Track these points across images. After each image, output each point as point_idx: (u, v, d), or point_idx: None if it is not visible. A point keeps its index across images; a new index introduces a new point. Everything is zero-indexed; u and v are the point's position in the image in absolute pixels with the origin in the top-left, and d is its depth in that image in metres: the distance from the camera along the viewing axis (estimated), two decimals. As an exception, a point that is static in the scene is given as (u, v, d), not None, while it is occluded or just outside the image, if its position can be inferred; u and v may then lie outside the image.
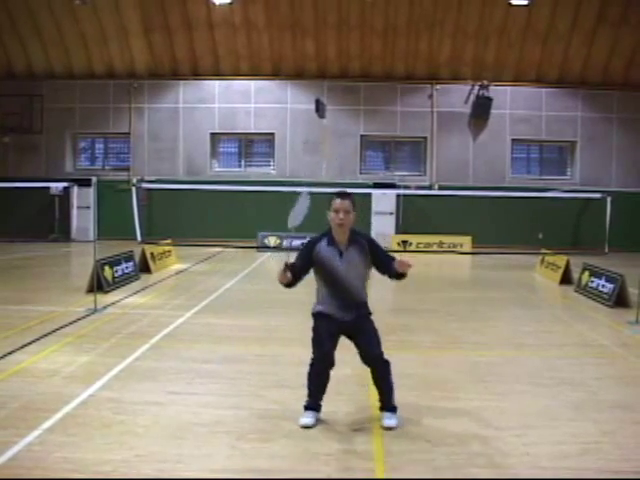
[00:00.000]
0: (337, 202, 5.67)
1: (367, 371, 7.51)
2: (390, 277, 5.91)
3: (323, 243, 5.78)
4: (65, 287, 14.32)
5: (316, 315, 5.90)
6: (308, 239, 5.98)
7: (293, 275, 5.67)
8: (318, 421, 5.81)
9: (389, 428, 5.67)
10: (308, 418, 5.77)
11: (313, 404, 5.91)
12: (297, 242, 24.17)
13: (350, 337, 5.89)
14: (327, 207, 5.74)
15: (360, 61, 27.31)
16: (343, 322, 5.77)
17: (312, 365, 5.88)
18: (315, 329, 5.86)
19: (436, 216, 26.61)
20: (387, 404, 5.87)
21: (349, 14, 25.86)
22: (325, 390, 5.96)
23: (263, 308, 11.91)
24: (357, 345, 5.84)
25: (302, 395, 6.01)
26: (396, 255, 5.96)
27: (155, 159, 28.14)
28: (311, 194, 5.86)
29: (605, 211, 24.57)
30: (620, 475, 4.83)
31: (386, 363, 5.83)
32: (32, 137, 28.17)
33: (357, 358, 7.75)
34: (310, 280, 5.96)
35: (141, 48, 27.33)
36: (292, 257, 5.78)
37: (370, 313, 5.94)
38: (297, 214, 5.77)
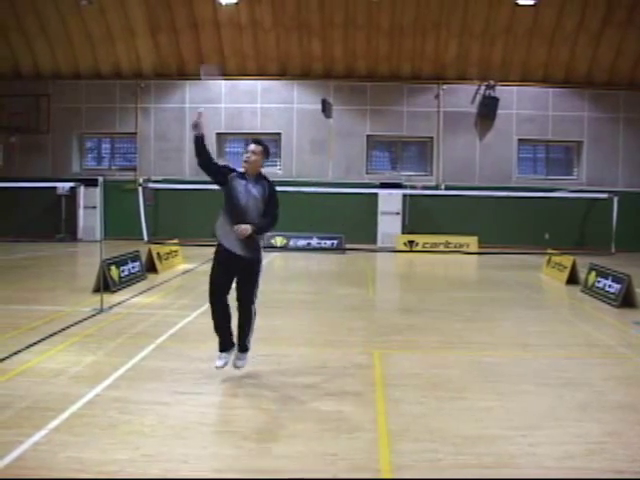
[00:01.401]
0: (250, 146, 6.86)
1: (371, 371, 7.52)
2: (264, 218, 6.90)
3: (237, 173, 6.88)
4: (71, 287, 14.35)
5: (217, 248, 6.95)
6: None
7: (208, 156, 7.01)
8: (227, 359, 7.02)
9: (239, 368, 7.04)
10: (221, 360, 6.99)
11: (225, 345, 7.06)
12: (302, 242, 24.24)
13: (237, 272, 6.90)
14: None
15: (366, 61, 27.33)
16: (235, 255, 6.78)
17: (211, 294, 6.90)
18: (214, 257, 6.98)
19: (442, 216, 26.62)
20: (243, 346, 7.08)
21: (355, 14, 25.87)
22: (230, 325, 7.04)
23: (268, 308, 11.89)
24: (237, 283, 6.91)
25: (307, 395, 6.02)
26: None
27: (161, 159, 28.19)
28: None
29: (612, 211, 24.50)
30: (626, 475, 4.82)
31: (250, 311, 7.03)
32: (38, 137, 28.27)
33: (362, 358, 7.76)
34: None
35: (147, 48, 27.39)
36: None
37: (260, 259, 7.13)
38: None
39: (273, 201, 6.87)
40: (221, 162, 7.13)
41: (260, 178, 6.85)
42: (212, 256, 7.01)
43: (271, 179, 7.00)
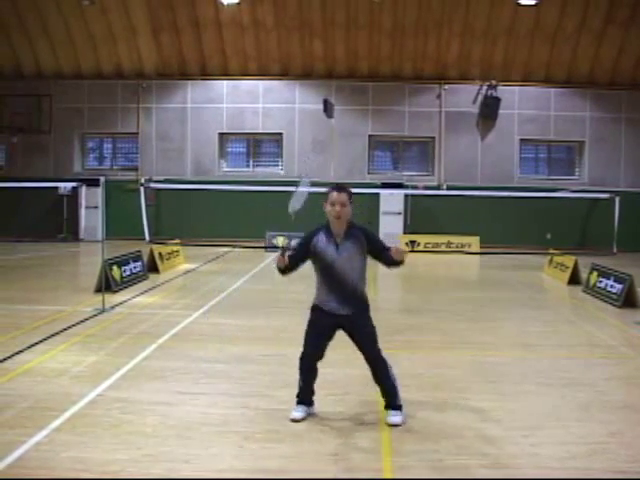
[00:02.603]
0: (334, 195, 5.76)
1: (374, 371, 7.52)
2: (386, 265, 6.04)
3: (321, 236, 5.88)
4: (73, 287, 14.37)
5: (313, 308, 6.06)
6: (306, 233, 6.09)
7: (291, 265, 5.87)
8: (309, 415, 5.95)
9: (394, 425, 5.74)
10: (298, 412, 5.91)
11: (304, 398, 6.04)
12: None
13: (349, 333, 5.99)
14: (324, 200, 5.83)
15: (368, 61, 27.30)
16: (340, 316, 5.87)
17: (302, 359, 6.04)
18: (309, 323, 6.05)
19: (444, 216, 26.60)
20: (391, 403, 5.96)
21: (357, 14, 25.85)
22: (314, 383, 6.09)
23: (271, 308, 11.92)
24: (355, 342, 5.99)
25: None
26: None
27: (163, 159, 28.19)
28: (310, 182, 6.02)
29: (613, 211, 24.52)
30: (628, 475, 4.82)
31: (384, 362, 5.95)
32: (40, 137, 28.26)
33: (361, 358, 7.77)
34: (313, 281, 5.98)
35: (149, 48, 27.39)
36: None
37: (367, 308, 6.03)
38: (297, 199, 6.03)
39: (376, 237, 6.19)
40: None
41: (350, 230, 5.89)
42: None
43: (354, 222, 6.02)
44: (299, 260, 5.94)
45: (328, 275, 5.88)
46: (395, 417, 5.83)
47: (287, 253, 5.80)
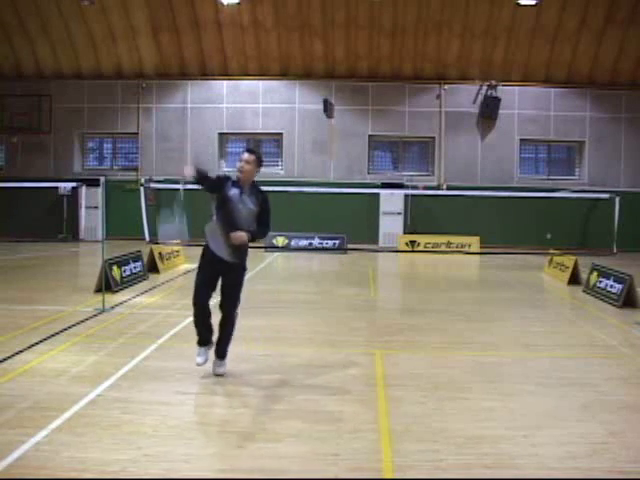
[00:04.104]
0: (244, 154, 6.95)
1: (373, 371, 7.52)
2: (257, 229, 7.03)
3: (231, 182, 6.95)
4: (73, 287, 14.37)
5: (203, 251, 7.17)
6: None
7: (202, 176, 6.89)
8: (208, 355, 7.13)
9: (220, 375, 7.09)
10: (200, 357, 7.09)
11: (202, 340, 7.17)
12: (304, 242, 24.24)
13: (222, 276, 7.01)
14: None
15: (368, 61, 27.31)
16: (223, 261, 6.87)
17: (195, 303, 7.02)
18: (199, 266, 7.23)
19: (444, 216, 26.60)
20: (222, 352, 7.21)
21: (357, 14, 25.85)
22: (209, 322, 7.15)
23: (270, 308, 11.92)
24: (222, 286, 7.04)
25: (309, 395, 6.03)
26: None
27: (163, 159, 28.19)
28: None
29: (613, 211, 24.52)
30: (628, 476, 4.82)
31: (234, 317, 7.13)
32: (40, 137, 28.29)
33: (364, 358, 7.76)
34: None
35: (149, 48, 27.39)
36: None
37: (245, 267, 7.13)
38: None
39: (266, 210, 7.04)
40: (221, 169, 7.12)
41: (254, 188, 6.99)
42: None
43: (261, 188, 7.15)
44: (211, 184, 6.95)
45: (226, 216, 6.80)
46: (222, 367, 7.21)
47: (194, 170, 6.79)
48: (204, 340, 7.14)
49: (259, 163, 7.01)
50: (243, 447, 5.20)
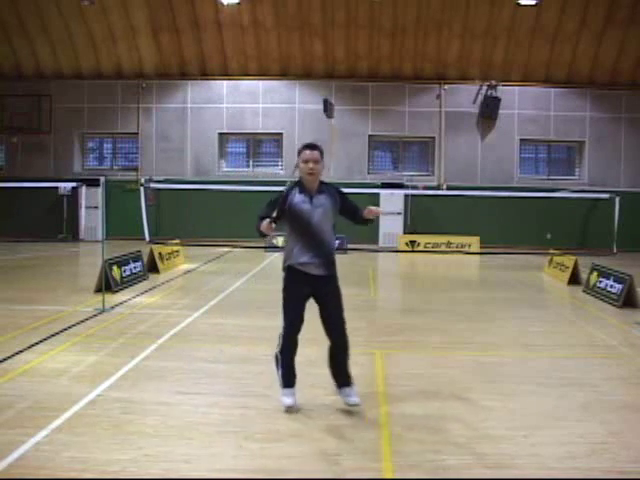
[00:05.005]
0: (307, 153, 5.89)
1: (373, 371, 7.52)
2: (355, 222, 6.26)
3: (295, 191, 5.96)
4: (73, 287, 14.37)
5: (286, 272, 6.07)
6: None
7: (278, 216, 5.87)
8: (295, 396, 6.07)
9: (355, 405, 5.95)
10: (289, 398, 6.00)
11: (290, 379, 6.09)
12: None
13: (318, 300, 6.05)
14: (296, 162, 5.97)
15: (368, 61, 27.34)
16: (314, 277, 5.95)
17: (285, 335, 6.02)
18: (285, 288, 6.06)
19: (444, 216, 26.62)
20: (347, 381, 6.10)
21: (357, 14, 25.88)
22: (294, 361, 6.13)
23: (271, 308, 11.89)
24: (324, 310, 6.03)
25: (310, 395, 6.03)
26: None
27: (163, 159, 28.21)
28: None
29: (613, 211, 24.53)
30: (628, 476, 4.81)
31: (346, 337, 6.10)
32: (40, 137, 28.32)
33: (364, 358, 7.75)
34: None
35: (149, 48, 27.41)
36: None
37: (336, 275, 6.18)
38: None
39: (346, 196, 6.22)
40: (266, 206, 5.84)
41: (321, 187, 6.03)
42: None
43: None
44: (278, 217, 5.91)
45: (304, 231, 5.94)
46: (356, 397, 6.00)
47: (273, 224, 5.79)
48: (292, 380, 6.12)
49: (323, 155, 6.04)
50: (243, 447, 5.19)
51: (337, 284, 6.12)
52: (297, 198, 5.91)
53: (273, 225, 5.74)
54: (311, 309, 6.08)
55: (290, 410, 5.94)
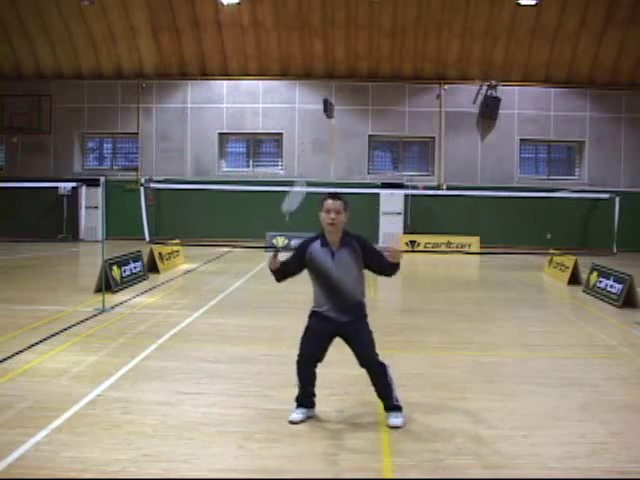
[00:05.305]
0: (329, 202, 5.69)
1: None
2: (385, 273, 5.93)
3: (316, 244, 5.83)
4: (73, 287, 14.38)
5: (311, 314, 6.01)
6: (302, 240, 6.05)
7: (284, 271, 5.88)
8: (308, 418, 5.90)
9: (395, 427, 5.70)
10: (297, 414, 5.87)
11: (302, 402, 5.98)
12: (305, 242, 24.21)
13: (346, 340, 5.94)
14: (319, 209, 5.77)
15: (368, 61, 27.32)
16: (338, 323, 5.82)
17: (298, 362, 5.96)
18: (307, 327, 5.99)
19: (444, 216, 26.60)
20: (389, 405, 5.91)
21: (357, 14, 25.86)
22: (313, 386, 6.01)
23: (271, 308, 11.92)
24: (352, 348, 5.93)
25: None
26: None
27: (163, 159, 28.20)
28: (307, 183, 6.09)
29: (613, 211, 24.46)
30: (628, 476, 4.81)
31: (381, 365, 5.89)
32: (40, 137, 28.30)
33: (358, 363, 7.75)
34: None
35: (149, 48, 27.40)
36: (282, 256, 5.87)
37: (366, 315, 6.02)
38: (293, 199, 6.06)
39: (371, 248, 5.89)
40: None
41: (345, 238, 5.80)
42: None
43: (354, 234, 5.91)
44: (293, 268, 5.93)
45: (325, 284, 5.83)
46: (396, 419, 5.78)
47: (280, 254, 5.80)
48: (303, 400, 6.00)
49: (347, 207, 5.76)
50: (243, 447, 5.20)
51: (365, 323, 6.00)
52: (318, 252, 5.81)
53: (278, 260, 5.78)
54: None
55: (293, 423, 5.81)
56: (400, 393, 5.98)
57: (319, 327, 5.91)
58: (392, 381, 5.93)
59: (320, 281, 5.86)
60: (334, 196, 5.77)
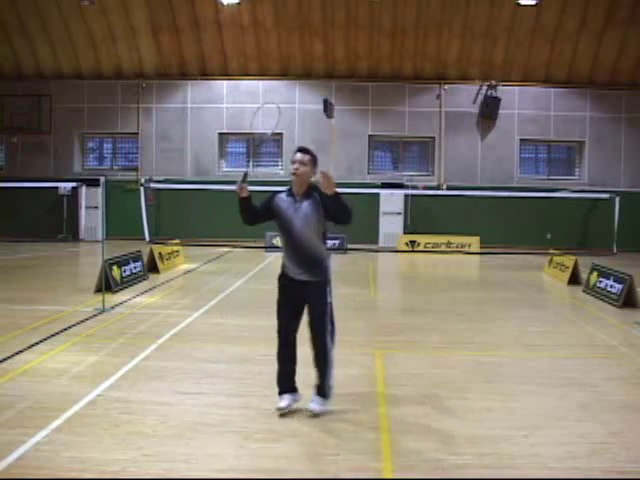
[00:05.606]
0: (297, 155, 6.03)
1: (372, 371, 7.52)
2: (337, 215, 5.91)
3: (283, 194, 6.14)
4: (73, 287, 14.38)
5: (279, 277, 6.22)
6: None
7: (252, 209, 6.15)
8: (295, 402, 6.07)
9: (310, 411, 5.92)
10: (282, 401, 6.02)
11: (282, 385, 6.14)
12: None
13: (307, 305, 6.10)
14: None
15: (368, 61, 27.33)
16: (297, 282, 6.03)
17: (277, 336, 6.17)
18: (278, 291, 6.23)
19: (444, 216, 26.61)
20: (318, 389, 6.06)
21: (357, 14, 25.87)
22: (293, 369, 6.17)
23: (271, 308, 11.80)
24: (308, 314, 6.10)
25: (310, 395, 6.03)
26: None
27: (163, 159, 28.20)
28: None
29: (613, 211, 24.52)
30: (628, 476, 4.82)
31: (324, 346, 6.04)
32: (40, 137, 28.31)
33: (363, 358, 7.76)
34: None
35: (149, 48, 27.40)
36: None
37: (326, 280, 6.11)
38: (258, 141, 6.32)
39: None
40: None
41: (310, 192, 6.00)
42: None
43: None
44: (261, 212, 6.18)
45: (286, 235, 6.06)
46: (315, 404, 5.98)
47: (246, 187, 6.03)
48: (283, 386, 6.15)
49: (315, 163, 6.07)
50: (243, 447, 5.20)
51: (323, 291, 6.07)
52: (283, 201, 6.09)
53: (246, 188, 6.02)
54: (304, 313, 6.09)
55: (281, 411, 5.95)
56: (334, 382, 6.12)
57: (284, 292, 6.14)
58: (330, 366, 6.10)
59: (282, 232, 6.10)
60: (303, 150, 6.10)
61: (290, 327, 6.09)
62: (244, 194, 6.03)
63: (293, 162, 6.01)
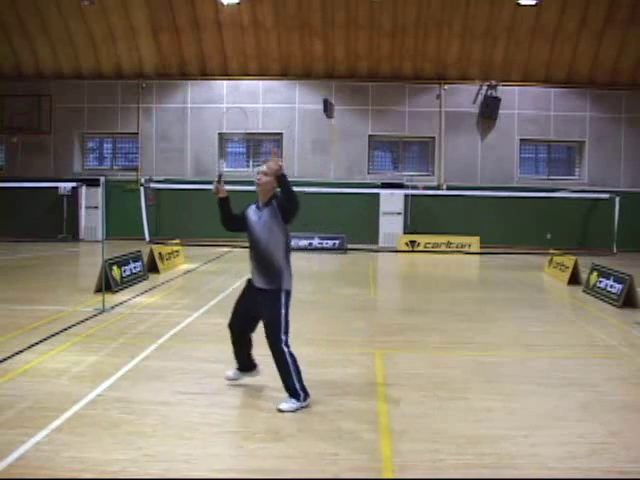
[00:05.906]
0: (261, 166, 6.27)
1: (372, 371, 7.52)
2: (285, 202, 6.11)
3: (253, 205, 6.41)
4: (73, 287, 14.37)
5: (246, 281, 6.53)
6: None
7: (229, 213, 6.48)
8: (242, 377, 6.80)
9: (280, 410, 6.01)
10: (229, 372, 6.81)
11: (237, 363, 6.80)
12: (304, 242, 24.22)
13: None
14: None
15: (368, 61, 27.32)
16: (255, 288, 6.28)
17: (229, 325, 6.60)
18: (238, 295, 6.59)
19: (444, 216, 26.61)
20: (285, 388, 6.19)
21: (357, 14, 25.86)
22: (246, 354, 6.73)
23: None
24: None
25: (310, 396, 6.03)
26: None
27: (163, 159, 28.20)
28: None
29: (613, 211, 24.52)
30: (628, 476, 4.82)
31: (281, 353, 6.16)
32: (40, 137, 28.30)
33: (363, 358, 7.75)
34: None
35: (149, 48, 27.39)
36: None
37: (281, 290, 6.18)
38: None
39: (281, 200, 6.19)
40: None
41: (271, 199, 6.22)
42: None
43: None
44: (238, 217, 6.44)
45: (250, 243, 6.30)
46: (284, 403, 6.09)
47: (223, 186, 6.45)
48: (240, 364, 6.81)
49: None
50: (242, 447, 5.20)
51: (277, 301, 6.15)
52: (251, 211, 6.38)
53: (222, 185, 6.45)
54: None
55: (228, 379, 6.75)
56: (305, 383, 6.16)
57: (243, 292, 6.48)
58: (288, 370, 6.15)
59: (248, 240, 6.34)
60: (266, 162, 6.26)
61: (239, 322, 6.49)
62: (222, 195, 6.41)
63: (257, 172, 6.24)
